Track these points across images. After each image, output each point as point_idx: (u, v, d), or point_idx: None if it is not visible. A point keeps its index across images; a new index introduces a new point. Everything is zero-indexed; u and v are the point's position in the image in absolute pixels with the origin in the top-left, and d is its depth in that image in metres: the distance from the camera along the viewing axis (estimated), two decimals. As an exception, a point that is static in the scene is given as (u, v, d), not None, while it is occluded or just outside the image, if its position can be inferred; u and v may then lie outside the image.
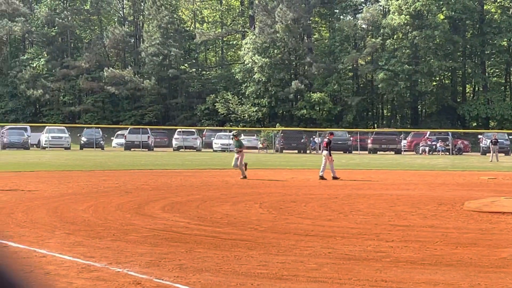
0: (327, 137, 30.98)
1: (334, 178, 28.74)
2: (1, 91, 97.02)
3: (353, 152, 68.81)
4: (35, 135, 71.64)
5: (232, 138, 30.89)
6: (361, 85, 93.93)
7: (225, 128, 79.88)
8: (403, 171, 37.64)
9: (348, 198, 20.49)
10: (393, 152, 68.00)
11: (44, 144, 68.84)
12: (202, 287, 8.15)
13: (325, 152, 29.56)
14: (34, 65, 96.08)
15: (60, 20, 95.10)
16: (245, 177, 29.00)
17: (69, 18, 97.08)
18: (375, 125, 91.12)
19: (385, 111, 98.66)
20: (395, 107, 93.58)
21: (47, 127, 72.23)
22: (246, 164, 30.03)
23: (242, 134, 66.59)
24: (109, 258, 10.04)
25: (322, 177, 28.81)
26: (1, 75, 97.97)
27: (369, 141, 70.29)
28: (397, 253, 10.83)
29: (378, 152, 68.19)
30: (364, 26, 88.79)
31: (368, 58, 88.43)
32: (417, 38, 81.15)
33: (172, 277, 8.66)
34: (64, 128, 73.06)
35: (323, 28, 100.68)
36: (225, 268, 9.34)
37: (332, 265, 9.67)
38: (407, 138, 70.46)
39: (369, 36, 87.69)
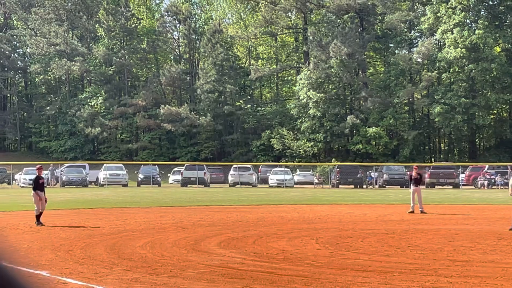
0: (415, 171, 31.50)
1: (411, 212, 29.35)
2: (60, 129, 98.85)
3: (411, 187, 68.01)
4: (93, 172, 72.59)
5: None
6: (417, 119, 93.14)
7: (281, 163, 79.86)
8: (462, 205, 37.09)
9: (405, 233, 20.26)
10: (451, 187, 67.08)
11: (102, 181, 69.68)
12: (259, 323, 8.13)
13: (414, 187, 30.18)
14: (92, 103, 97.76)
15: (117, 59, 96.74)
16: None
17: (126, 57, 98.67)
18: (432, 159, 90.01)
19: (442, 145, 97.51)
20: (452, 140, 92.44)
21: (105, 165, 73.20)
22: None
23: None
24: (166, 294, 10.08)
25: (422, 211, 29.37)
26: (60, 114, 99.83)
27: (426, 175, 69.49)
28: (456, 289, 10.65)
29: (436, 187, 67.34)
30: (419, 60, 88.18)
31: (424, 92, 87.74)
32: (473, 71, 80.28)
33: (229, 313, 8.66)
34: (121, 165, 73.91)
35: (378, 63, 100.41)
36: (281, 304, 9.30)
37: (389, 301, 9.56)
38: (465, 172, 69.50)
39: (425, 70, 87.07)
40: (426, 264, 13.64)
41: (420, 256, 15.02)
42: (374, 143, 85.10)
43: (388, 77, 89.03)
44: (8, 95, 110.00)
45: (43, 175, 23.61)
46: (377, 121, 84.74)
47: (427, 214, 29.56)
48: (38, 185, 22.42)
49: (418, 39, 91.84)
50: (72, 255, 14.88)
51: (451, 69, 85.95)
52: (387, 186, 67.58)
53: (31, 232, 20.21)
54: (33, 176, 58.05)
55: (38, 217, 21.79)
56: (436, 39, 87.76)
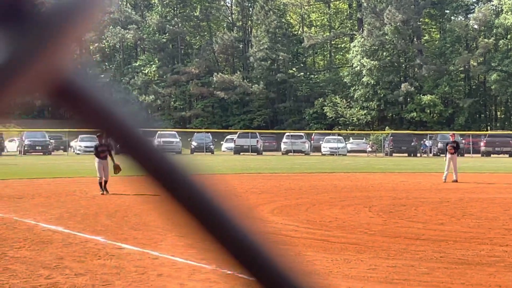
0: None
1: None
2: (114, 97, 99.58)
3: (465, 155, 67.27)
4: (147, 140, 73.16)
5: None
6: (473, 87, 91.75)
7: (334, 132, 79.57)
8: (518, 174, 36.50)
9: (460, 202, 20.04)
10: (507, 155, 66.05)
11: (156, 148, 70.19)
12: (312, 290, 8.13)
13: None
14: (146, 71, 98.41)
15: (171, 27, 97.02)
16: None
17: (180, 24, 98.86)
18: (488, 127, 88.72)
19: (498, 113, 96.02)
20: (509, 108, 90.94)
21: (158, 132, 73.72)
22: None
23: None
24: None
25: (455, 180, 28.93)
26: (115, 81, 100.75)
27: (482, 144, 68.56)
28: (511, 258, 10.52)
29: (492, 155, 66.39)
30: (476, 26, 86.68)
31: (481, 59, 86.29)
32: (531, 37, 78.70)
33: (282, 280, 8.68)
34: (175, 133, 74.35)
35: (433, 29, 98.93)
36: (334, 271, 9.29)
37: (444, 270, 9.48)
38: (522, 141, 68.35)
39: (481, 37, 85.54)
40: (481, 233, 13.48)
41: (475, 225, 14.85)
42: (428, 111, 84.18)
43: (443, 44, 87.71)
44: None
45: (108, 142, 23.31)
46: (431, 89, 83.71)
47: (472, 183, 29.14)
48: (97, 152, 22.51)
49: (475, 5, 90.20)
50: (127, 221, 15.07)
51: (509, 36, 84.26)
52: (441, 155, 66.80)
53: (87, 198, 20.52)
54: (88, 143, 59.13)
55: (101, 184, 21.91)
56: (493, 5, 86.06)
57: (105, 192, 21.63)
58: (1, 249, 11.08)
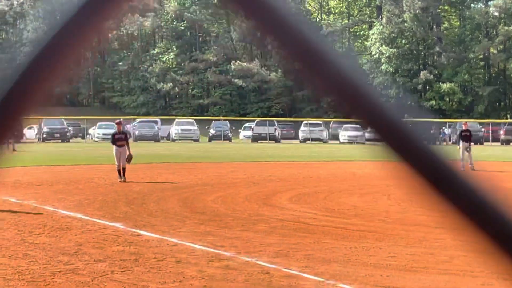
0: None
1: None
2: (132, 85, 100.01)
3: (485, 143, 66.90)
4: (165, 127, 73.32)
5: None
6: (493, 75, 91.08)
7: (352, 120, 79.23)
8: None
9: (479, 190, 19.92)
10: (526, 144, 65.65)
11: (174, 136, 70.36)
12: (330, 277, 8.11)
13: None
14: (164, 59, 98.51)
15: (189, 15, 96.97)
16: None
17: (197, 12, 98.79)
18: (508, 115, 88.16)
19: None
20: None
21: (176, 120, 73.86)
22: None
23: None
24: (238, 247, 10.14)
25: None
26: (133, 69, 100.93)
27: (501, 132, 68.17)
28: (532, 247, 10.43)
29: (511, 144, 66.00)
30: (496, 13, 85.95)
31: (501, 46, 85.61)
32: (552, 25, 78.01)
33: (301, 267, 8.66)
34: (193, 120, 74.44)
35: (452, 17, 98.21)
36: (353, 259, 9.26)
37: (464, 258, 9.42)
38: (542, 129, 67.84)
39: (502, 24, 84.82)
40: (501, 222, 13.41)
41: (495, 214, 14.77)
42: (447, 99, 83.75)
43: (463, 31, 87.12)
44: (82, 50, 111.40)
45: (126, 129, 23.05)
46: (451, 77, 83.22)
47: (491, 171, 28.97)
48: (114, 140, 22.53)
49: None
50: (146, 208, 15.10)
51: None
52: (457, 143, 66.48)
53: (105, 185, 20.58)
54: (106, 131, 59.29)
55: (119, 172, 21.89)
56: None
57: (123, 179, 21.64)
58: (21, 235, 11.14)
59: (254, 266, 8.74)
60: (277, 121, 75.31)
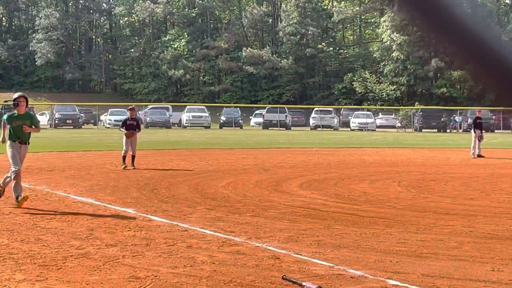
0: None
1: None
2: (144, 71, 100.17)
3: (496, 131, 66.74)
4: (176, 114, 73.48)
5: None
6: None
7: (363, 107, 79.25)
8: (549, 150, 36.18)
9: (490, 177, 19.92)
10: (538, 131, 65.45)
11: (185, 123, 70.50)
12: (340, 263, 8.15)
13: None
14: (175, 46, 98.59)
15: (200, 1, 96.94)
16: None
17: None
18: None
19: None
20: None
21: (187, 107, 73.99)
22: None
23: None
24: (248, 233, 10.19)
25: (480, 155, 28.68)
26: (144, 56, 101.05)
27: (512, 119, 67.95)
28: (542, 234, 10.45)
29: (523, 131, 65.82)
30: (508, 1, 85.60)
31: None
32: None
33: (311, 253, 8.70)
34: (204, 107, 74.57)
35: (464, 4, 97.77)
36: (363, 245, 9.30)
37: (473, 244, 9.45)
38: (554, 117, 67.61)
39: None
40: (511, 208, 13.41)
41: (505, 200, 14.77)
42: (459, 86, 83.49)
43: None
44: (94, 37, 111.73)
45: (135, 116, 22.90)
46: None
47: (502, 159, 28.94)
48: (125, 125, 22.38)
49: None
50: (157, 193, 15.17)
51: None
52: (471, 130, 66.39)
53: (117, 171, 20.65)
54: (118, 117, 59.43)
55: (124, 158, 21.77)
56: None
57: (130, 167, 21.22)
58: (33, 220, 11.22)
59: (265, 251, 8.79)
60: (288, 108, 75.33)
